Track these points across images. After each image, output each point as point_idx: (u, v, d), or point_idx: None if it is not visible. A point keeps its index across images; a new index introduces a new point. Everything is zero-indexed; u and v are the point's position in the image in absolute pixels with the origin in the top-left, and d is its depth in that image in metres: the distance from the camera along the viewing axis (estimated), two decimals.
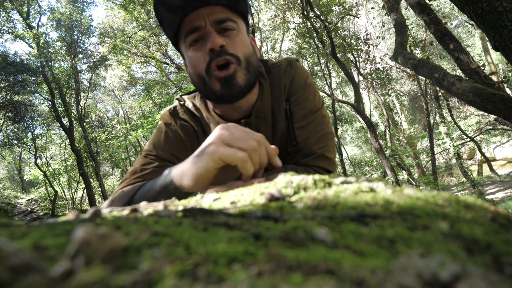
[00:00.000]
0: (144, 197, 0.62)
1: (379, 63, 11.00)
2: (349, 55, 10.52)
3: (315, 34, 7.97)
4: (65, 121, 10.35)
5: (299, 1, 9.48)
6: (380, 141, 7.76)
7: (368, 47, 10.00)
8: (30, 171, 13.60)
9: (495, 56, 12.65)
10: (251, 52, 0.81)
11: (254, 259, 0.16)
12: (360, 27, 14.82)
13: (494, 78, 6.48)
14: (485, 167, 13.36)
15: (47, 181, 11.41)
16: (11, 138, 11.12)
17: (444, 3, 14.90)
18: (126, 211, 0.31)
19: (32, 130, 11.36)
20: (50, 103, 10.25)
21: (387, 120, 11.39)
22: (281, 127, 0.86)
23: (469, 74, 3.31)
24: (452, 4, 3.53)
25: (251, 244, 0.18)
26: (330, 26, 7.56)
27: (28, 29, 10.05)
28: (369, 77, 10.21)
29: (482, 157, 12.44)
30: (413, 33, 11.41)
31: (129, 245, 0.17)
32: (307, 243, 0.19)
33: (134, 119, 15.82)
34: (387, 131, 11.13)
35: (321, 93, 10.55)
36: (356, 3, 11.12)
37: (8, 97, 9.48)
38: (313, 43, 9.79)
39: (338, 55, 7.90)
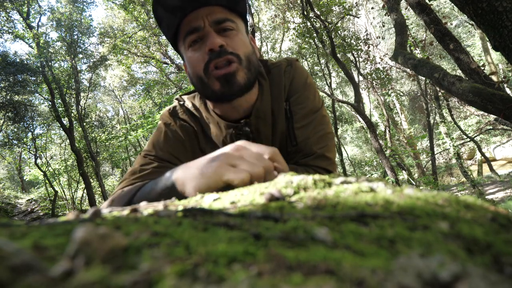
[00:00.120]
0: (145, 198, 0.62)
1: (379, 63, 11.01)
2: (349, 55, 10.52)
3: (315, 34, 7.98)
4: (65, 121, 10.35)
5: (299, 1, 9.48)
6: (380, 141, 7.77)
7: (368, 47, 10.00)
8: (30, 171, 13.60)
9: (495, 56, 12.65)
10: (251, 52, 0.81)
11: (254, 259, 0.16)
12: (360, 27, 14.83)
13: (494, 78, 6.49)
14: (485, 167, 13.36)
15: (47, 181, 11.41)
16: (11, 138, 11.12)
17: (444, 3, 14.90)
18: (126, 211, 0.31)
19: (32, 130, 11.37)
20: (50, 103, 10.25)
21: (387, 120, 11.39)
22: (281, 127, 0.86)
23: (469, 74, 3.31)
24: (452, 4, 3.53)
25: (251, 244, 0.18)
26: (330, 26, 7.56)
27: (28, 29, 10.05)
28: (369, 77, 10.22)
29: (482, 157, 12.45)
30: (413, 33, 11.41)
31: (129, 245, 0.17)
32: (307, 243, 0.19)
33: (134, 119, 15.84)
34: (387, 131, 11.13)
35: (321, 93, 10.55)
36: (356, 3, 11.12)
37: (8, 97, 9.48)
38: (313, 43, 9.79)
39: (338, 55, 7.90)
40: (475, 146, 13.10)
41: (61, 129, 10.74)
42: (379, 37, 12.04)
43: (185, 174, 0.55)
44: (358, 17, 12.06)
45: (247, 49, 0.80)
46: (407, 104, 18.77)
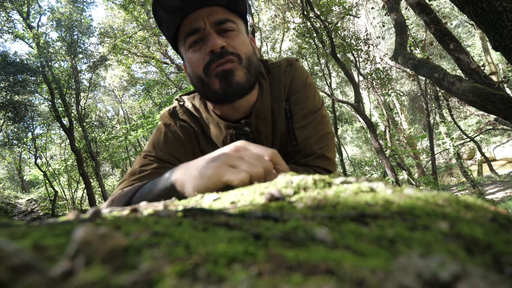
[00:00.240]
0: (144, 198, 0.62)
1: (379, 63, 11.01)
2: (349, 55, 10.52)
3: (315, 34, 7.98)
4: (65, 121, 10.35)
5: (299, 1, 9.48)
6: (380, 141, 7.77)
7: (368, 47, 10.00)
8: (30, 171, 13.61)
9: (495, 56, 12.65)
10: (251, 52, 0.81)
11: (254, 259, 0.16)
12: (360, 27, 14.83)
13: (494, 78, 6.49)
14: (485, 167, 13.37)
15: (47, 181, 11.41)
16: (11, 138, 11.12)
17: (444, 3, 14.90)
18: (126, 211, 0.31)
19: (32, 130, 11.37)
20: (50, 103, 10.26)
21: (387, 120, 11.39)
22: (281, 127, 0.86)
23: (469, 74, 3.31)
24: (452, 4, 3.53)
25: (251, 244, 0.18)
26: (330, 26, 7.56)
27: (28, 29, 10.06)
28: (369, 77, 10.21)
29: (482, 157, 12.45)
30: (413, 33, 11.41)
31: (129, 245, 0.17)
32: (307, 243, 0.19)
33: (134, 119, 15.83)
34: (387, 131, 11.13)
35: (321, 93, 10.55)
36: (356, 3, 11.13)
37: (8, 97, 9.48)
38: (313, 43, 9.79)
39: (338, 55, 7.90)
40: (475, 146, 13.10)
41: (61, 129, 10.74)
42: (379, 37, 12.04)
43: (184, 174, 0.55)
44: (358, 17, 12.06)
45: (247, 50, 0.80)
46: (407, 104, 18.77)
